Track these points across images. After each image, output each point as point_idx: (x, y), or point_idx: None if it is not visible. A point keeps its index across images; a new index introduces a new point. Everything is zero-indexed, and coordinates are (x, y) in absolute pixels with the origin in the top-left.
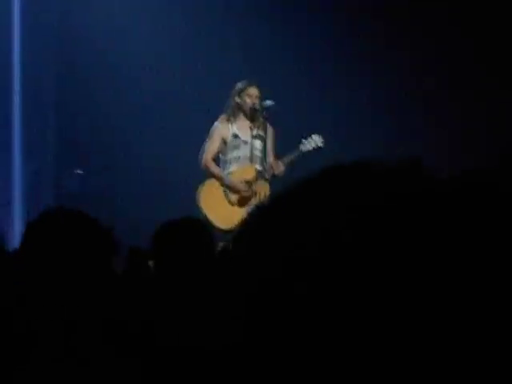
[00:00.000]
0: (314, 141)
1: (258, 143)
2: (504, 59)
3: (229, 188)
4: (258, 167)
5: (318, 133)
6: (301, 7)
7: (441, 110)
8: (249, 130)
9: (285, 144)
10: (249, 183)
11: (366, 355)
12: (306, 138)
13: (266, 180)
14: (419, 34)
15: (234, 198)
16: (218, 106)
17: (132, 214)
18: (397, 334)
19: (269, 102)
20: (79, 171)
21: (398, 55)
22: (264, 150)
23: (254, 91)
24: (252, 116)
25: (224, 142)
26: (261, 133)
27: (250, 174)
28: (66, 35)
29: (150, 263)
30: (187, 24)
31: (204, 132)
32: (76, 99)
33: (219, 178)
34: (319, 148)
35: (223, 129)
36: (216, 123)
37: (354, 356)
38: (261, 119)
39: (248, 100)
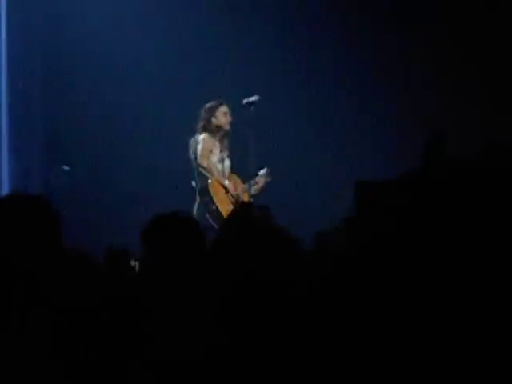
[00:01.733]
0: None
1: (228, 163)
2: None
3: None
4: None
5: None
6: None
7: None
8: (223, 149)
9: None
10: (237, 196)
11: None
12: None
13: (249, 194)
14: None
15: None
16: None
17: (120, 209)
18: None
19: (254, 98)
20: (66, 167)
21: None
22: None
23: (226, 109)
24: (224, 135)
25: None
26: (229, 154)
27: (239, 187)
28: (53, 38)
29: (133, 262)
30: (175, 25)
31: (189, 127)
32: (62, 97)
33: (218, 178)
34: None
35: (211, 141)
36: (202, 136)
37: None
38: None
39: (223, 118)
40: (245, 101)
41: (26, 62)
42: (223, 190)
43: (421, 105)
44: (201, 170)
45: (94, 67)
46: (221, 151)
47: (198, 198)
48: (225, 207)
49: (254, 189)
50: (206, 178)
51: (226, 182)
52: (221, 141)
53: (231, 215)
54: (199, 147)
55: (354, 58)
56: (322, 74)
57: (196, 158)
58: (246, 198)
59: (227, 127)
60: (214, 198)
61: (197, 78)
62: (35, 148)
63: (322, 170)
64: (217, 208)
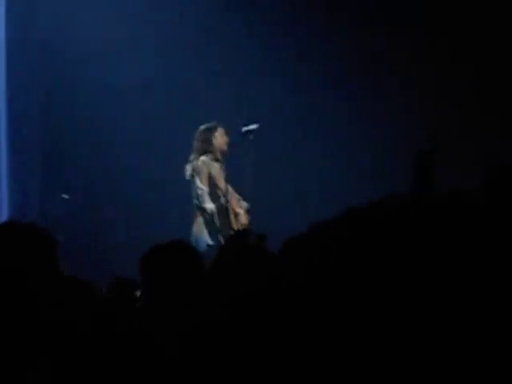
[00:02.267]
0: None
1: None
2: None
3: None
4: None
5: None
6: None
7: None
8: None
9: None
10: (239, 215)
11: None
12: None
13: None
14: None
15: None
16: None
17: (117, 237)
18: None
19: (253, 126)
20: (65, 196)
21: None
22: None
23: (223, 130)
24: (223, 156)
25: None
26: None
27: (241, 208)
28: (50, 67)
29: (137, 293)
30: (171, 34)
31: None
32: (61, 124)
33: None
34: None
35: (214, 165)
36: (210, 159)
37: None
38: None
39: (221, 139)
40: (244, 129)
41: (24, 90)
42: (233, 214)
43: (414, 107)
44: (218, 192)
45: (93, 94)
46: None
47: (213, 221)
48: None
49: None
50: (221, 201)
51: (242, 210)
52: (221, 162)
53: (228, 242)
54: (212, 170)
55: (348, 60)
56: (314, 75)
57: (211, 180)
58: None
59: (225, 148)
60: (233, 222)
61: (195, 89)
62: (34, 175)
63: (318, 173)
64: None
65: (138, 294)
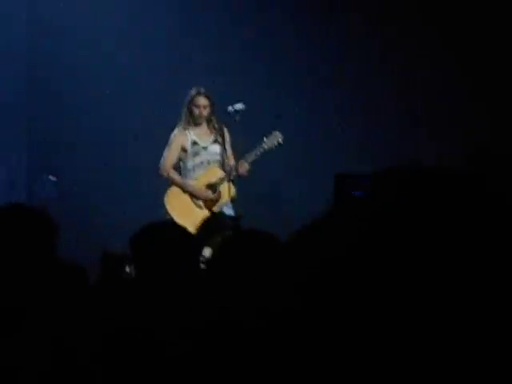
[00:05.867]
0: (275, 137)
1: (216, 148)
2: None
3: (191, 195)
4: (221, 170)
5: (279, 129)
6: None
7: None
8: (207, 136)
9: (247, 142)
10: (213, 186)
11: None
12: (267, 136)
13: (230, 181)
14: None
15: (200, 201)
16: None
17: (106, 218)
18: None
19: (239, 105)
20: (52, 178)
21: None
22: (223, 154)
23: (201, 101)
24: (208, 122)
25: (183, 149)
26: (218, 138)
27: (214, 177)
28: (38, 47)
29: (126, 268)
30: (155, 25)
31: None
32: (48, 105)
33: (181, 186)
34: (280, 144)
35: (181, 136)
36: (174, 131)
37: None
38: (216, 124)
39: (196, 110)
40: (230, 108)
41: (10, 65)
42: (186, 197)
43: (403, 101)
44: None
45: (81, 73)
46: (201, 140)
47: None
48: (185, 216)
49: (241, 172)
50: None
51: (190, 187)
52: (208, 127)
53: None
54: (163, 155)
55: (343, 52)
56: (304, 64)
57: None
58: (226, 186)
59: (204, 114)
60: (169, 209)
61: (184, 75)
62: (20, 157)
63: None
64: (173, 220)
65: (127, 268)
